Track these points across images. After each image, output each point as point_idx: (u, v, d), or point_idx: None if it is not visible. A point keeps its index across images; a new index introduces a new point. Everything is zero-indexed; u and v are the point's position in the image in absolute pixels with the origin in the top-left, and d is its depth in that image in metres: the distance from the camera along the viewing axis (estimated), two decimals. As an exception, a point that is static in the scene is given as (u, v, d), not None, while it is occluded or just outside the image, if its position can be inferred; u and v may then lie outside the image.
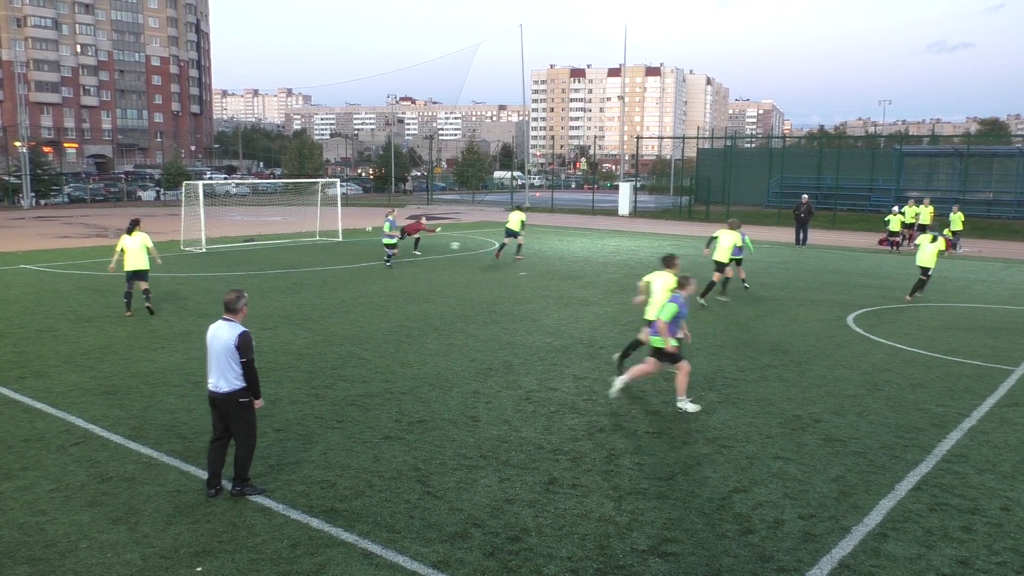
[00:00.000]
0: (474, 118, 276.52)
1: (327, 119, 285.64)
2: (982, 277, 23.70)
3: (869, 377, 11.70)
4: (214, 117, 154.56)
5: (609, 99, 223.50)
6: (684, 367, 9.97)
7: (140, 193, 66.92)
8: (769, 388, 11.06)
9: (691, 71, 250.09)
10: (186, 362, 12.03)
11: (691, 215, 49.13)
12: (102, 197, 62.02)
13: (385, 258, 23.76)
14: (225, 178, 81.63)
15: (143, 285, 15.80)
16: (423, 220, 27.69)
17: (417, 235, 27.04)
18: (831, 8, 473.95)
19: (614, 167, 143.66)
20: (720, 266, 18.26)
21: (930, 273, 18.69)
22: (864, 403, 10.41)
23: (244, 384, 7.17)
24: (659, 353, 10.00)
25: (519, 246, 26.02)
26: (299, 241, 31.07)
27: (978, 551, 6.43)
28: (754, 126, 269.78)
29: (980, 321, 16.53)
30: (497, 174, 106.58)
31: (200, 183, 30.81)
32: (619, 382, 10.39)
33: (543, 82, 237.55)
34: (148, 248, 15.92)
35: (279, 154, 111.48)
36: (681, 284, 10.23)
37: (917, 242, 20.01)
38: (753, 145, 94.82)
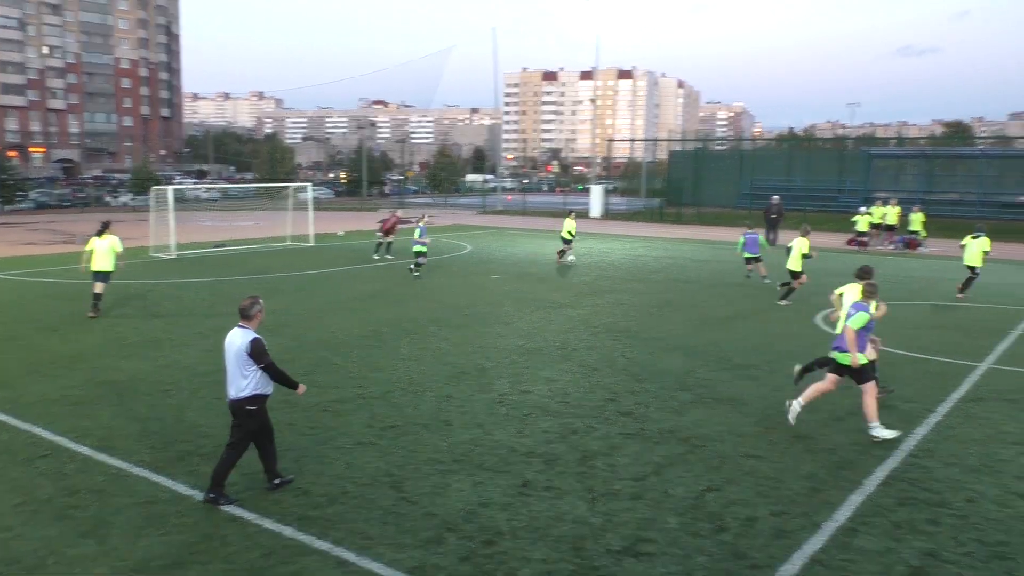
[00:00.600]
0: (447, 121, 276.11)
1: (299, 123, 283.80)
2: (948, 276, 24.06)
3: (838, 375, 11.83)
4: (184, 121, 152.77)
5: (581, 102, 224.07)
6: (869, 389, 9.07)
7: (108, 198, 65.93)
8: (741, 387, 11.16)
9: (663, 74, 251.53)
10: (155, 370, 11.88)
11: (663, 217, 49.44)
12: (69, 203, 61.08)
13: (412, 266, 22.21)
14: (195, 183, 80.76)
15: (99, 287, 15.83)
16: (398, 213, 27.63)
17: (391, 237, 26.92)
18: (802, 13, 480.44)
19: (586, 170, 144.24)
20: (797, 274, 18.24)
21: (978, 271, 19.72)
22: (834, 400, 10.52)
23: (252, 393, 7.17)
24: (842, 369, 9.22)
25: (562, 252, 26.10)
26: (270, 246, 30.83)
27: (945, 543, 6.54)
28: (725, 128, 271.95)
29: (946, 319, 16.81)
30: (469, 177, 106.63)
31: (170, 188, 30.47)
32: (796, 407, 9.42)
33: (516, 85, 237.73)
34: (116, 252, 15.93)
35: (250, 158, 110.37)
36: (868, 293, 9.50)
37: (963, 243, 20.71)
38: (724, 147, 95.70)
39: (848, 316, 9.17)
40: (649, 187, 62.97)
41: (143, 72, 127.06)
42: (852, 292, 10.16)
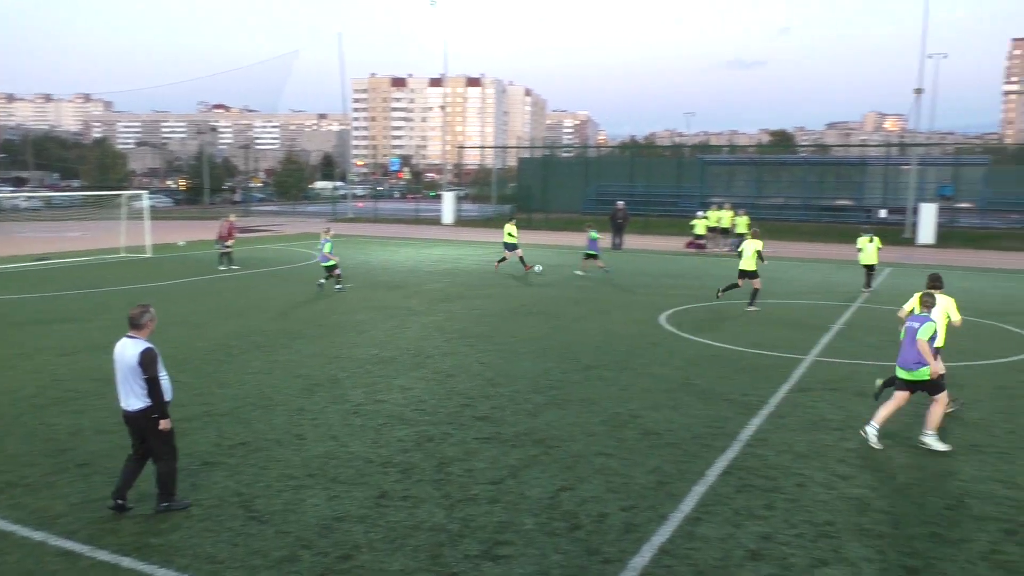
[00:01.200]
0: (293, 127, 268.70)
1: (131, 127, 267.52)
2: (776, 275, 25.80)
3: (681, 372, 12.45)
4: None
5: (431, 108, 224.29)
6: (942, 399, 9.07)
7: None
8: (591, 388, 11.50)
9: (510, 82, 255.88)
10: (-30, 395, 10.84)
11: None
12: None
13: (334, 282, 20.96)
14: (13, 191, 74.42)
15: None
16: (231, 219, 26.52)
17: (231, 242, 25.82)
18: (642, 25, 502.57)
19: (437, 176, 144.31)
20: (752, 274, 18.58)
21: (875, 269, 21.84)
22: (677, 397, 11.07)
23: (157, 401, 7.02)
24: (910, 385, 9.14)
25: (503, 260, 25.64)
26: (102, 258, 28.87)
27: (779, 526, 7.00)
28: (571, 136, 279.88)
29: (776, 316, 18.02)
30: (318, 184, 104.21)
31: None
32: (872, 432, 9.16)
33: (364, 91, 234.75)
34: None
35: (77, 164, 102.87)
36: (925, 304, 9.27)
37: (859, 246, 22.12)
38: (571, 155, 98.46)
39: (914, 330, 9.00)
40: (500, 193, 63.85)
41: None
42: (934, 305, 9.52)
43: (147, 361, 6.97)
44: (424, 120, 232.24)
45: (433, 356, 13.43)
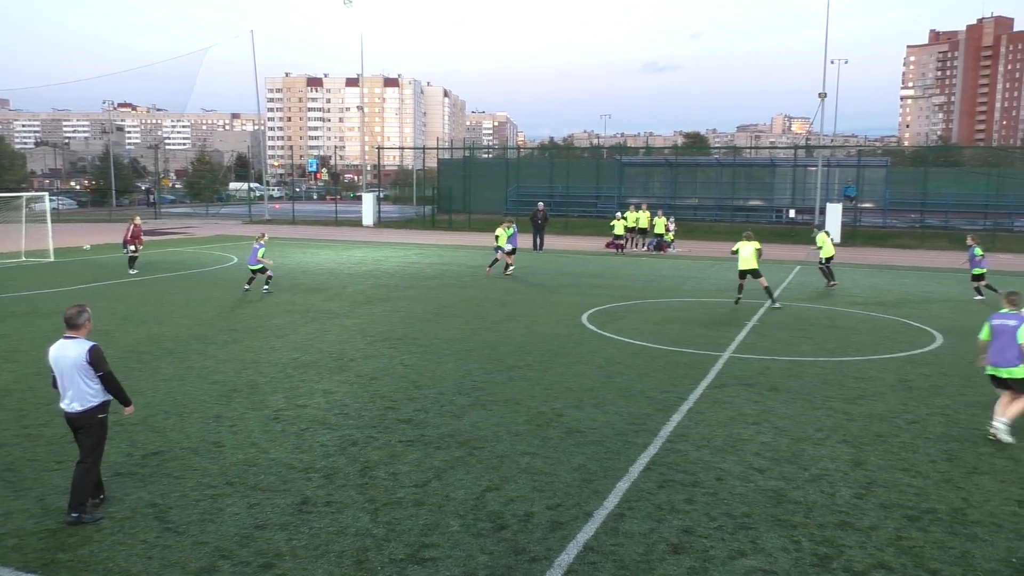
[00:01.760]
0: (205, 126, 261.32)
1: (30, 126, 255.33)
2: (692, 274, 26.48)
3: (603, 371, 12.62)
4: None
5: (348, 109, 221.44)
6: None
7: None
8: (515, 388, 11.55)
9: (428, 83, 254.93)
10: None
11: (435, 224, 50.06)
12: None
13: (263, 282, 20.83)
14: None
15: None
16: (137, 221, 25.62)
17: (135, 247, 24.94)
18: (558, 28, 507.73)
19: (356, 177, 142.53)
20: (755, 272, 19.31)
21: (829, 261, 23.39)
22: (600, 395, 11.22)
23: (101, 400, 7.07)
24: (1000, 382, 9.35)
25: (495, 262, 25.56)
26: (0, 263, 27.46)
27: (699, 519, 7.17)
28: (491, 137, 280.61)
29: (693, 314, 18.46)
30: (233, 185, 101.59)
31: None
32: (1001, 426, 9.27)
33: (278, 90, 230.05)
34: None
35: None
36: (1012, 303, 9.36)
37: (819, 243, 23.70)
38: (490, 156, 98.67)
39: (1010, 328, 9.17)
40: (420, 194, 63.50)
41: None
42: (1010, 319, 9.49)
43: (97, 358, 7.01)
44: (341, 120, 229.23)
45: (356, 359, 13.25)
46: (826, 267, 23.63)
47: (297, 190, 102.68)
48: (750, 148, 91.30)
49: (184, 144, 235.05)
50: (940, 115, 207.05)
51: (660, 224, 35.39)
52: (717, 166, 58.36)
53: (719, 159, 62.52)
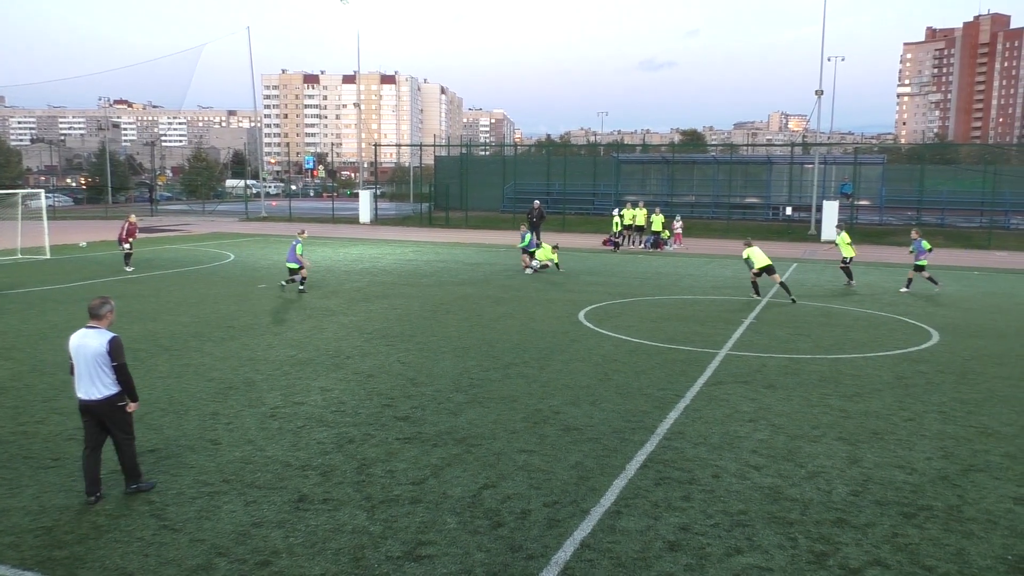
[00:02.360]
0: (201, 124, 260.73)
1: (26, 122, 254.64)
2: (690, 272, 26.49)
3: (600, 368, 12.63)
4: None
5: (345, 106, 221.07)
6: None
7: None
8: (512, 385, 11.55)
9: (425, 80, 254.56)
10: None
11: (432, 221, 50.01)
12: None
13: (286, 281, 20.88)
14: None
15: None
16: (132, 218, 25.60)
17: (130, 244, 24.90)
18: (555, 25, 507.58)
19: (353, 175, 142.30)
20: (772, 269, 20.12)
21: (847, 260, 23.33)
22: (597, 392, 11.22)
23: (119, 388, 7.28)
24: None
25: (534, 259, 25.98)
26: (-4, 260, 27.40)
27: (696, 516, 7.18)
28: (487, 134, 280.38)
29: (690, 311, 18.48)
30: (229, 182, 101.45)
31: None
32: None
33: (275, 87, 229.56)
34: None
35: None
36: None
37: (836, 241, 23.81)
38: (487, 153, 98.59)
39: None
40: (417, 192, 63.46)
41: None
42: None
43: (116, 349, 7.23)
44: (338, 117, 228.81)
45: (352, 357, 13.24)
46: (846, 267, 23.73)
47: (293, 187, 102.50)
48: (747, 145, 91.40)
49: (180, 141, 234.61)
50: (936, 112, 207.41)
51: (657, 222, 35.35)
52: (714, 163, 58.38)
53: (716, 156, 62.56)
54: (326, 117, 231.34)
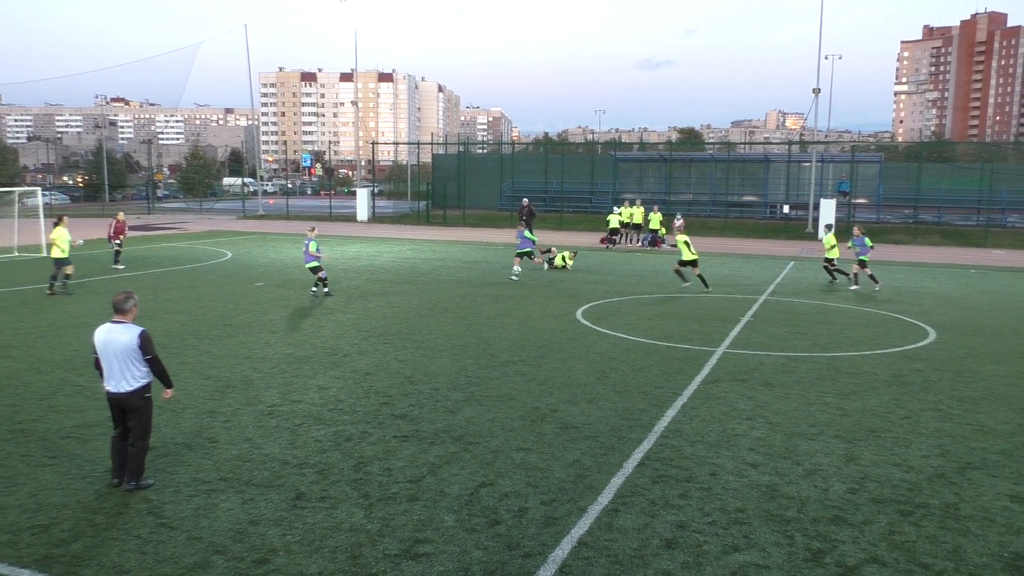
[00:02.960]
0: (198, 121, 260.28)
1: (22, 120, 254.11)
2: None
3: (598, 366, 12.63)
4: None
5: (343, 104, 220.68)
6: None
7: None
8: (510, 383, 11.55)
9: (423, 78, 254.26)
10: None
11: (429, 219, 49.97)
12: None
13: (323, 286, 19.58)
14: None
15: (68, 270, 19.71)
16: (120, 216, 25.60)
17: (119, 242, 24.92)
18: (554, 25, 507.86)
19: (351, 172, 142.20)
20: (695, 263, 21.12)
21: (833, 261, 23.54)
22: (594, 390, 11.23)
23: (147, 381, 7.48)
24: None
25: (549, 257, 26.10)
26: (-7, 258, 27.34)
27: (693, 514, 7.18)
28: (485, 132, 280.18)
29: (687, 309, 18.48)
30: (227, 180, 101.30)
31: None
32: None
33: (272, 85, 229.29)
34: (61, 240, 19.69)
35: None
36: None
37: (826, 243, 23.97)
38: (485, 151, 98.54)
39: None
40: (414, 190, 63.43)
41: None
42: None
43: (147, 343, 7.46)
44: (336, 115, 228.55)
45: (350, 355, 13.24)
46: (829, 266, 23.80)
47: (289, 186, 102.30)
48: (744, 144, 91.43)
49: (178, 139, 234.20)
50: (934, 111, 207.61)
51: (655, 220, 35.35)
52: (711, 162, 58.38)
53: (713, 155, 62.54)
54: (323, 115, 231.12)
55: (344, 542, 6.55)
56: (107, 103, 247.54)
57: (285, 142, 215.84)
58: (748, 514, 7.20)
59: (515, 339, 14.63)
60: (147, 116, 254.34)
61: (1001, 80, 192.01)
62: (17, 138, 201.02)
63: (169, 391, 7.81)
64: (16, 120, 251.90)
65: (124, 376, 7.40)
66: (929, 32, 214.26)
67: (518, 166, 59.75)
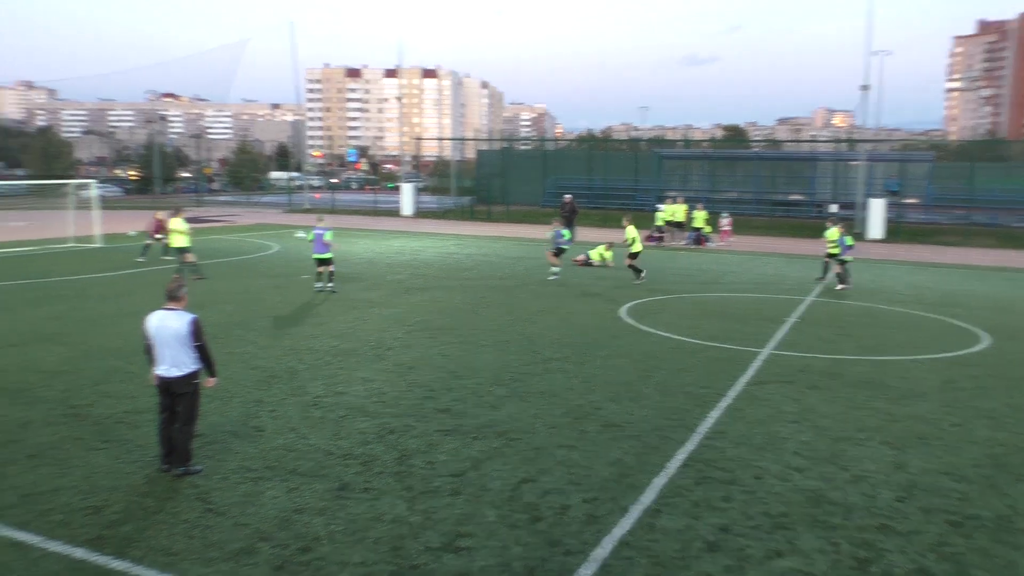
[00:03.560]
0: (246, 116, 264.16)
1: (77, 115, 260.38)
2: (732, 269, 26.18)
3: (641, 365, 12.55)
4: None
5: (387, 100, 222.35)
6: None
7: None
8: (552, 380, 11.54)
9: (467, 74, 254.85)
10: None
11: (473, 215, 50.10)
12: None
13: (328, 281, 19.15)
14: (-47, 178, 72.04)
15: (189, 257, 20.93)
16: (159, 215, 26.05)
17: (159, 238, 25.33)
18: (597, 21, 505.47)
19: (395, 167, 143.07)
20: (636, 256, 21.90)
21: (836, 258, 22.86)
22: (637, 389, 11.16)
23: (197, 368, 7.71)
24: None
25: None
26: (49, 248, 28.12)
27: (736, 517, 7.10)
28: (528, 128, 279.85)
29: (732, 309, 18.27)
30: (274, 174, 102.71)
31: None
32: None
33: (318, 81, 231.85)
34: (181, 231, 20.99)
35: (20, 153, 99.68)
36: None
37: (829, 239, 23.44)
38: (529, 147, 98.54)
39: None
40: (459, 185, 63.66)
41: None
42: None
43: (198, 330, 7.67)
44: (380, 111, 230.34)
45: (394, 348, 13.34)
46: (828, 262, 23.19)
47: (333, 181, 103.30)
48: (790, 141, 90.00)
49: (226, 134, 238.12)
50: (988, 108, 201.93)
51: (700, 218, 34.96)
52: (756, 159, 57.60)
53: (759, 152, 61.70)
54: (368, 111, 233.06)
55: (386, 533, 6.61)
56: (158, 98, 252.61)
57: (330, 137, 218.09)
58: (792, 519, 7.10)
59: (558, 336, 14.61)
60: (196, 111, 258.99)
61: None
62: (72, 132, 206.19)
63: (212, 380, 8.01)
64: (71, 115, 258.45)
65: (175, 361, 7.59)
66: (984, 27, 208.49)
67: (561, 163, 59.58)
